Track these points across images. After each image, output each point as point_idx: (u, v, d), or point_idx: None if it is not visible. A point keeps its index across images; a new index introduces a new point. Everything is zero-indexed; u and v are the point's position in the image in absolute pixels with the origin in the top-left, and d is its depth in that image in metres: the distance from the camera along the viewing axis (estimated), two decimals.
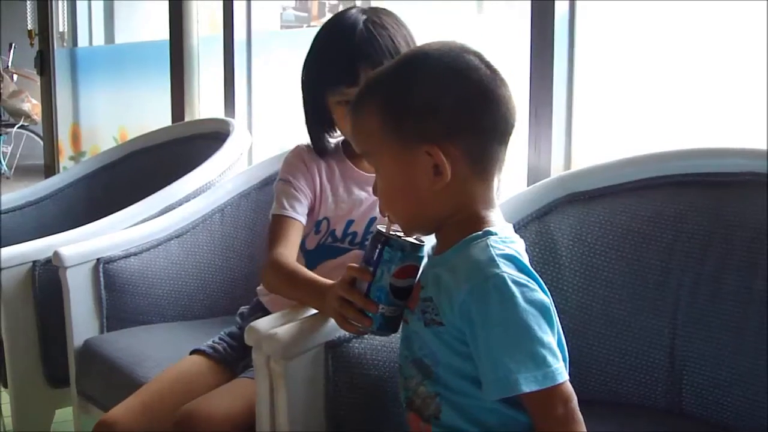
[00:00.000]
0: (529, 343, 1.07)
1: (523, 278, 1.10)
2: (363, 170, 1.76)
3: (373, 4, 2.56)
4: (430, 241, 1.27)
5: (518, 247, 1.18)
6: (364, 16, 1.66)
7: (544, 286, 1.13)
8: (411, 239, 1.24)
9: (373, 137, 1.22)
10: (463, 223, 1.19)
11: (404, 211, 1.23)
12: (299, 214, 1.70)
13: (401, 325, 1.27)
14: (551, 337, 1.10)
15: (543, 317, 1.09)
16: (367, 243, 1.28)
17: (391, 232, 1.24)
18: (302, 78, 1.72)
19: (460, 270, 1.14)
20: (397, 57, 1.25)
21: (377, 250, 1.23)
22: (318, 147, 1.77)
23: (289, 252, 1.64)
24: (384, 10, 1.70)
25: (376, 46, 1.62)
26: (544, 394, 1.07)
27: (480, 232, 1.16)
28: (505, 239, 1.16)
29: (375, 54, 1.61)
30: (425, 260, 1.25)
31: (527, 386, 1.06)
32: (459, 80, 1.18)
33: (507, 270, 1.10)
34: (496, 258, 1.11)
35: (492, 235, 1.16)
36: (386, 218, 1.26)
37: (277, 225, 1.69)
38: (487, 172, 1.20)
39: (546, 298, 1.11)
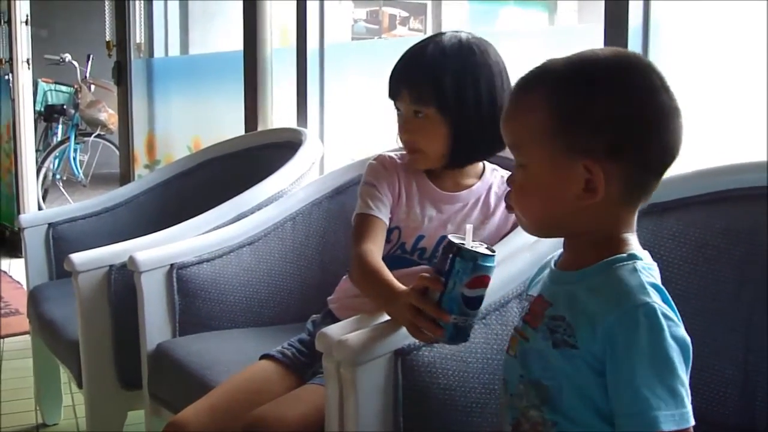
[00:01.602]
0: (672, 379, 1.03)
1: (669, 311, 1.06)
2: (439, 188, 1.78)
3: (445, 13, 2.56)
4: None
5: (658, 275, 1.13)
6: (434, 40, 1.71)
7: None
8: (482, 249, 1.22)
9: (531, 131, 1.14)
10: (602, 243, 1.14)
11: (536, 213, 1.17)
12: (383, 214, 1.74)
13: (519, 343, 1.20)
14: (686, 378, 1.05)
15: (683, 356, 1.05)
16: (438, 253, 1.27)
17: (462, 242, 1.22)
18: None
19: (606, 293, 1.09)
20: (573, 56, 1.15)
21: (449, 261, 1.22)
22: None
23: (376, 248, 1.68)
24: (474, 43, 1.71)
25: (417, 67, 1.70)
26: None
27: (625, 255, 1.12)
28: (650, 266, 1.12)
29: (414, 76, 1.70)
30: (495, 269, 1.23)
31: (666, 425, 1.01)
32: (641, 103, 1.11)
33: (657, 300, 1.06)
34: (647, 286, 1.07)
35: (638, 259, 1.11)
36: (466, 229, 1.23)
37: (363, 222, 1.73)
38: (636, 199, 1.15)
39: (687, 337, 1.06)
